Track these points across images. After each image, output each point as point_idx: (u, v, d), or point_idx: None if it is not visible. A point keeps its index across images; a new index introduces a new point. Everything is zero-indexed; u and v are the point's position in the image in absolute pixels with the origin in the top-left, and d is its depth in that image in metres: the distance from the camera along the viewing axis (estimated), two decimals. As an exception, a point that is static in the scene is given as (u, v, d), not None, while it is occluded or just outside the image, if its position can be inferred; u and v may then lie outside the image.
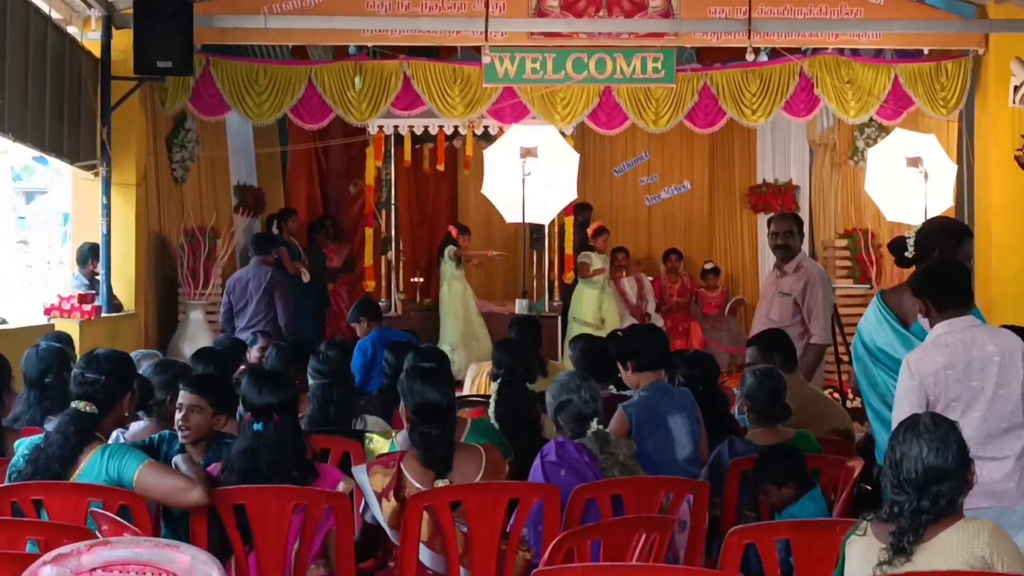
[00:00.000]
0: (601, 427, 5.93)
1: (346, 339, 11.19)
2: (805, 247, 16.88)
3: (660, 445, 6.71)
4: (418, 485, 5.45)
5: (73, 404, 5.43)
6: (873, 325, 6.37)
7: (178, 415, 5.87)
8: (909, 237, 6.56)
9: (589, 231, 16.54)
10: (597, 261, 16.24)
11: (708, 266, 17.80)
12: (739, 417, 6.96)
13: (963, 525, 4.26)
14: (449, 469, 5.50)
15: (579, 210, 16.82)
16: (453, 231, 16.01)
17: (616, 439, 5.99)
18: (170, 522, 5.46)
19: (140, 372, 6.60)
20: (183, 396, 5.88)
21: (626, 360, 7.17)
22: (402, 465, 5.52)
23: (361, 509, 5.61)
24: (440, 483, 5.43)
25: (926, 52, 14.62)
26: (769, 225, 10.30)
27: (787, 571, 4.97)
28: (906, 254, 6.48)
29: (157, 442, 5.93)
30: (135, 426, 6.49)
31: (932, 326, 5.86)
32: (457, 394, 7.76)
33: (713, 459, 6.66)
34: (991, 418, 5.45)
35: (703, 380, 7.54)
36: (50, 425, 5.86)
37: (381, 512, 5.45)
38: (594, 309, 15.96)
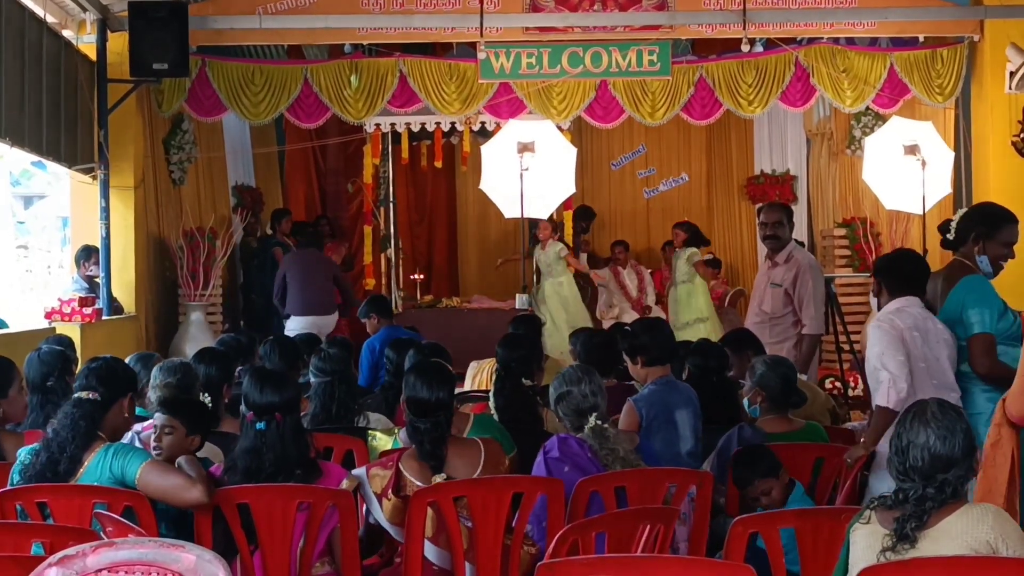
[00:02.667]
0: (599, 422, 5.92)
1: (347, 337, 11.20)
2: (804, 237, 17.05)
3: (667, 439, 6.74)
4: (417, 482, 5.46)
5: (76, 394, 5.49)
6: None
7: (153, 434, 5.93)
8: (953, 221, 6.59)
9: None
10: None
11: (707, 258, 17.78)
12: (749, 409, 6.96)
13: (967, 510, 4.26)
14: (442, 464, 5.52)
15: (580, 215, 16.84)
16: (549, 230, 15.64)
17: (616, 434, 5.99)
18: (171, 527, 5.49)
19: (152, 374, 6.66)
20: (157, 417, 5.94)
21: (636, 355, 7.18)
22: (400, 464, 5.54)
23: (364, 511, 5.63)
24: (438, 478, 5.44)
25: (921, 39, 14.60)
26: (758, 215, 10.31)
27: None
28: (948, 235, 6.51)
29: None
30: (143, 427, 6.49)
31: (880, 306, 6.59)
32: (458, 390, 7.78)
33: (722, 445, 6.66)
34: (941, 387, 6.07)
35: (715, 370, 7.55)
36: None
37: (382, 512, 5.46)
38: (701, 306, 15.83)
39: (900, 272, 6.64)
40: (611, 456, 5.78)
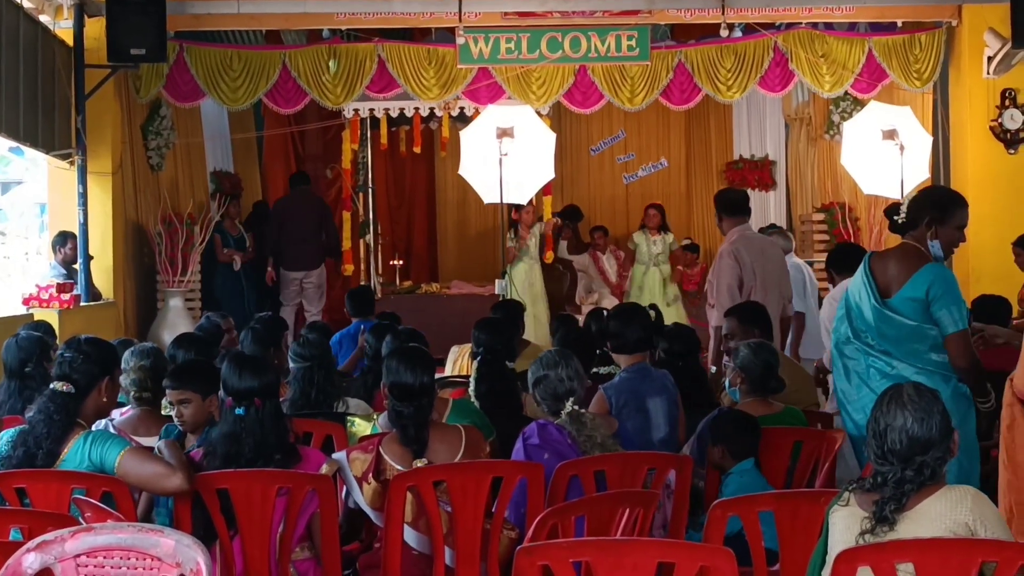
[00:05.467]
0: (576, 407, 5.92)
1: (327, 323, 11.19)
2: (783, 222, 17.11)
3: (638, 426, 6.74)
4: (398, 467, 5.45)
5: (51, 386, 5.45)
6: (857, 286, 6.38)
7: (172, 411, 5.95)
8: (903, 204, 6.57)
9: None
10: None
11: (685, 242, 17.75)
12: (730, 390, 6.97)
13: (945, 493, 4.28)
14: (424, 448, 5.52)
15: (568, 215, 16.88)
16: (515, 214, 15.78)
17: (593, 419, 5.98)
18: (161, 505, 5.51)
19: (124, 358, 6.61)
20: (169, 393, 5.95)
21: (605, 341, 7.21)
22: (381, 448, 5.53)
23: (343, 495, 5.62)
24: (419, 463, 5.44)
25: (899, 24, 14.63)
26: None
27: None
28: (896, 218, 6.49)
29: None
30: (120, 413, 6.48)
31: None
32: (438, 375, 7.77)
33: (701, 429, 6.67)
34: None
35: (684, 354, 7.56)
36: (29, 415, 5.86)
37: (362, 496, 5.46)
38: (660, 291, 15.80)
39: (843, 260, 8.90)
40: (589, 442, 5.78)
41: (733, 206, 9.87)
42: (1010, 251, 12.07)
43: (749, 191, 15.64)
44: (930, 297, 6.09)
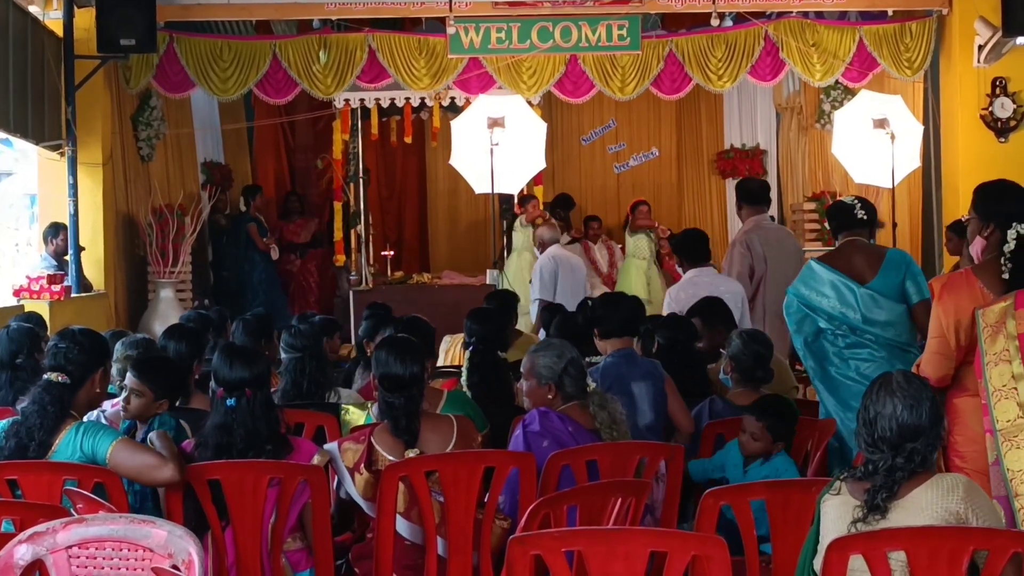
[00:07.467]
0: (595, 384, 5.98)
1: (318, 313, 11.19)
2: (775, 211, 17.08)
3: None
4: (389, 457, 5.45)
5: (45, 376, 5.44)
6: (818, 285, 6.61)
7: (123, 395, 5.97)
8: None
9: (628, 207, 16.71)
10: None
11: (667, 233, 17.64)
12: (723, 378, 7.02)
13: (937, 481, 4.28)
14: (416, 439, 5.50)
15: (560, 204, 16.88)
16: (517, 208, 15.78)
17: (613, 398, 6.01)
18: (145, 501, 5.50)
19: (115, 348, 6.62)
20: (128, 379, 5.98)
21: (593, 326, 7.24)
22: (372, 438, 5.53)
23: (335, 485, 5.62)
24: (411, 453, 5.43)
25: (890, 13, 14.62)
26: None
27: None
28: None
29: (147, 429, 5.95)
30: (111, 404, 6.48)
31: (684, 272, 9.45)
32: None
33: (693, 417, 6.71)
34: None
35: (682, 343, 7.57)
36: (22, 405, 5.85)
37: (354, 486, 5.45)
38: (643, 285, 15.81)
39: (696, 247, 9.58)
40: (610, 420, 5.79)
41: (752, 195, 10.13)
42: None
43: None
44: (908, 273, 6.65)
